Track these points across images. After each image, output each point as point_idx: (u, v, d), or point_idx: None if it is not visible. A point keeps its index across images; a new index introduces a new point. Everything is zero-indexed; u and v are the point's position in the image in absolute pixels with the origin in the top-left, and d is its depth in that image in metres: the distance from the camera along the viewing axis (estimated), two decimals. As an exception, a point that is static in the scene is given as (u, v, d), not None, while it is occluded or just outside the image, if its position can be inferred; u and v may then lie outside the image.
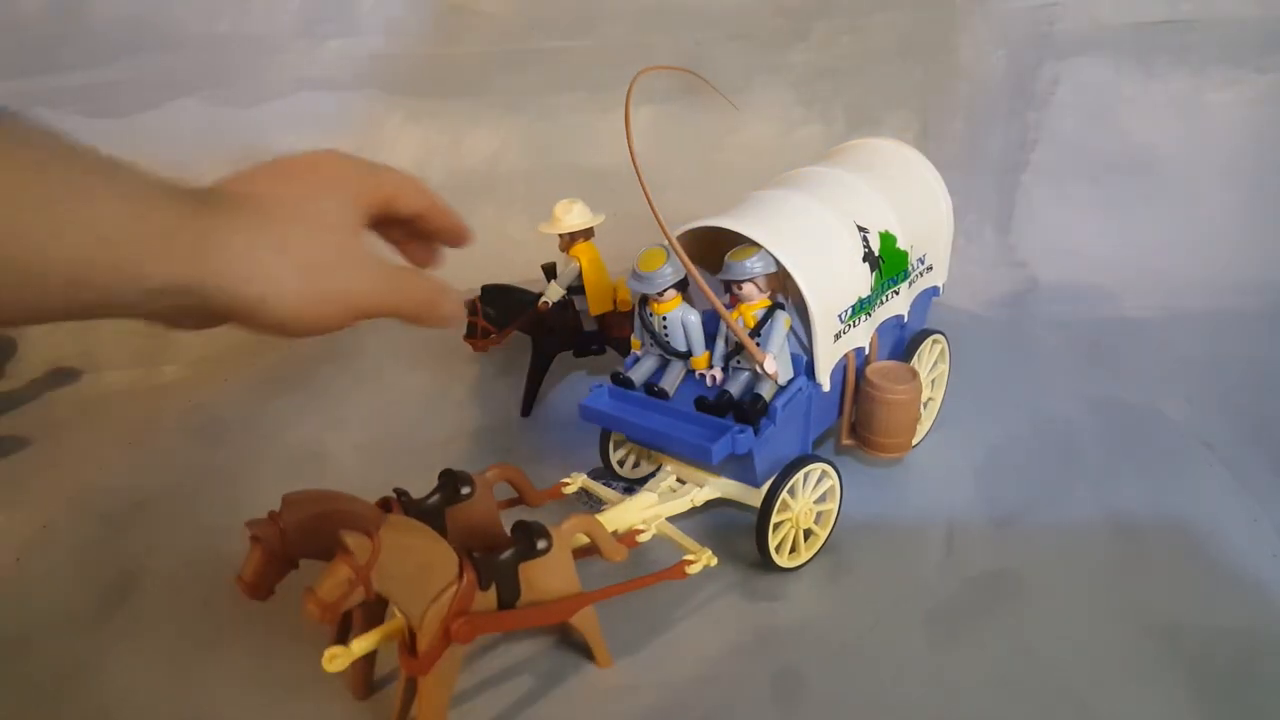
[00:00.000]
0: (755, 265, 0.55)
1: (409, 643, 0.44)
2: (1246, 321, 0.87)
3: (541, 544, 0.45)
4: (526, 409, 0.78)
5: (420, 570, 0.42)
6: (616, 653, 0.51)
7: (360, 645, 0.43)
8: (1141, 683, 0.49)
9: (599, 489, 0.63)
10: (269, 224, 0.33)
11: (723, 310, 0.54)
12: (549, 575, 0.47)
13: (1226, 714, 0.48)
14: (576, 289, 0.73)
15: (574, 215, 0.71)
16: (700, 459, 0.54)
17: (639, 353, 0.62)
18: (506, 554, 0.45)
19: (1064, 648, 0.52)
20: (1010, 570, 0.58)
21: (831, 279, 0.57)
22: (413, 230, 0.39)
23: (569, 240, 0.72)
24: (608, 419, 0.59)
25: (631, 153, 0.49)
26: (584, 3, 1.02)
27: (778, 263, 0.55)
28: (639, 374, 0.60)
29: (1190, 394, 0.76)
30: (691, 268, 0.53)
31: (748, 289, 0.56)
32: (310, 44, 1.02)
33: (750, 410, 0.55)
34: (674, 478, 0.62)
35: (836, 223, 0.59)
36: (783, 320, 0.56)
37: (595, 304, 0.73)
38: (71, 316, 0.30)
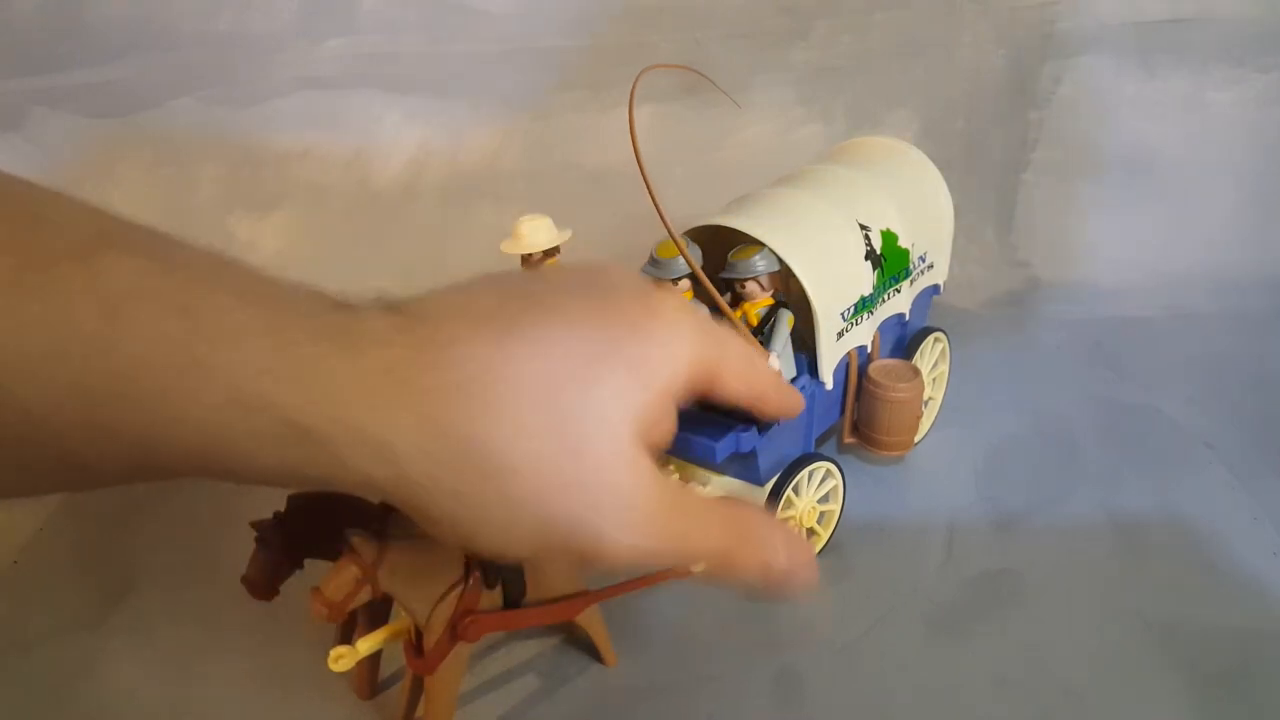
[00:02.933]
0: (759, 264, 0.55)
1: (415, 642, 0.44)
2: (1247, 321, 0.87)
3: None
4: None
5: (426, 569, 0.42)
6: (621, 653, 0.51)
7: (366, 645, 0.43)
8: (1142, 682, 0.49)
9: None
10: (497, 429, 0.22)
11: (726, 308, 0.54)
12: (554, 573, 0.47)
13: (1227, 713, 0.48)
14: None
15: (543, 233, 0.66)
16: (705, 457, 0.54)
17: None
18: None
19: (1064, 647, 0.52)
20: (1010, 570, 0.58)
21: (834, 277, 0.57)
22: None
23: (539, 259, 0.67)
24: None
25: (636, 151, 0.49)
26: (584, 2, 1.02)
27: (780, 261, 0.55)
28: None
29: (1191, 394, 0.76)
30: (695, 265, 0.53)
31: (751, 287, 0.56)
32: (310, 43, 1.01)
33: (744, 419, 0.55)
34: (676, 477, 0.62)
35: (838, 220, 0.59)
36: (786, 319, 0.56)
37: None
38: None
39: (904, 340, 0.68)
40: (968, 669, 0.51)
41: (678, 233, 0.53)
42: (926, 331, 0.69)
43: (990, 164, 1.03)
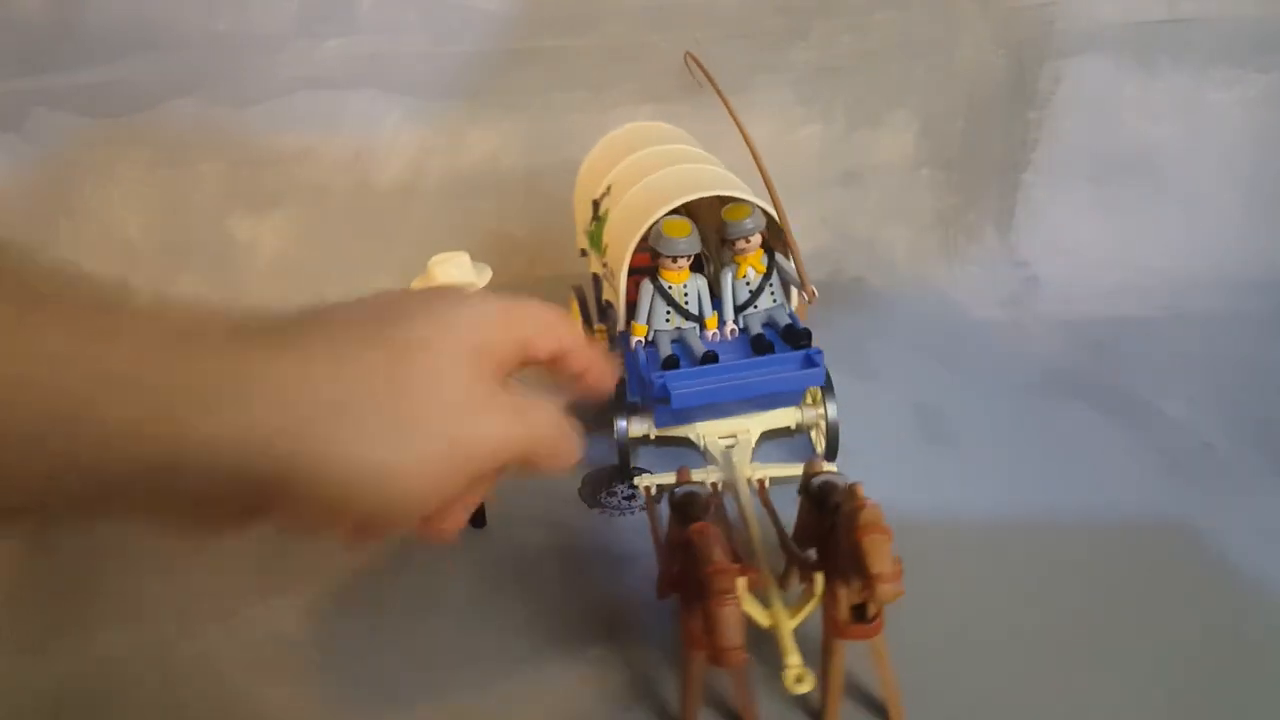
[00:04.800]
0: (749, 224, 0.61)
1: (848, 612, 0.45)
2: (1246, 321, 0.87)
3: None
4: (480, 517, 0.62)
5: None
6: (618, 650, 0.51)
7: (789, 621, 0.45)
8: (1141, 683, 0.49)
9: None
10: (370, 362, 0.24)
11: (793, 240, 0.59)
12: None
13: (1228, 713, 0.48)
14: None
15: (463, 273, 0.59)
16: (809, 385, 0.63)
17: (642, 339, 0.63)
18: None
19: (1063, 648, 0.52)
20: (1009, 571, 0.58)
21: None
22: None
23: None
24: (697, 397, 0.60)
25: (738, 124, 0.56)
26: (584, 2, 1.02)
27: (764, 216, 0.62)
28: (666, 352, 0.62)
29: (1190, 394, 0.76)
30: (771, 184, 0.59)
31: (755, 240, 0.62)
32: (309, 43, 1.01)
33: (803, 335, 0.61)
34: (716, 437, 0.65)
35: (741, 183, 0.65)
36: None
37: None
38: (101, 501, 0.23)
39: None
40: (967, 669, 0.51)
41: (677, 202, 0.59)
42: None
43: (990, 164, 1.03)
